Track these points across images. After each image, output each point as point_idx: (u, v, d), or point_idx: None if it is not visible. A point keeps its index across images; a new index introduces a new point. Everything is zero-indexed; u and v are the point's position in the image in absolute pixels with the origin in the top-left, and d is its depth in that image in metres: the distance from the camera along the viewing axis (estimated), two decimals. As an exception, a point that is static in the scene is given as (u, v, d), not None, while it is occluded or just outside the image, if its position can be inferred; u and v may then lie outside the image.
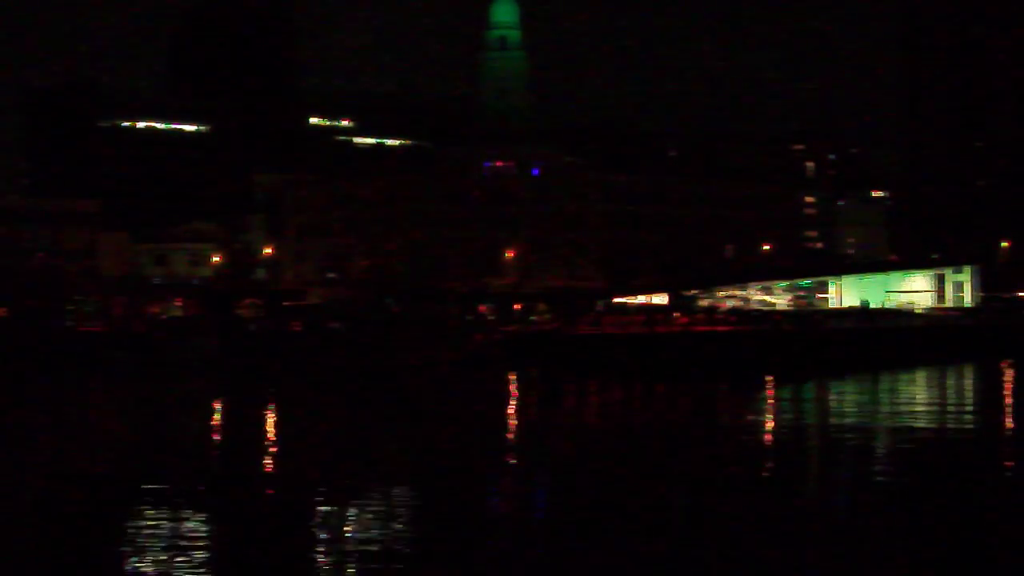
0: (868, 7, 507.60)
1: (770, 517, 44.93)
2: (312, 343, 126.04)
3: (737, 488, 50.77)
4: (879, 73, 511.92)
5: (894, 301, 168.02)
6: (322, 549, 40.35)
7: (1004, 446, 66.16)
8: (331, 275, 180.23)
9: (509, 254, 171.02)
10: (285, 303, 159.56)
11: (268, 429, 76.46)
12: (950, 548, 40.39)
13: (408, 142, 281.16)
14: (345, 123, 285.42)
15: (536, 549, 40.53)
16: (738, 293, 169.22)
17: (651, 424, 76.45)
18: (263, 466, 60.34)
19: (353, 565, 38.02)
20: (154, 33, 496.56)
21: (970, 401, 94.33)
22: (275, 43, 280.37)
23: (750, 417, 79.79)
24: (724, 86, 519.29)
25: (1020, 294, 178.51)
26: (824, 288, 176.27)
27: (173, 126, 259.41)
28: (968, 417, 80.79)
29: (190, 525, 43.80)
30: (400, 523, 44.59)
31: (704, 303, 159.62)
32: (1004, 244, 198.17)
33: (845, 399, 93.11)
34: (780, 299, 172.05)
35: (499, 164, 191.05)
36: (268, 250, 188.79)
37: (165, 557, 38.61)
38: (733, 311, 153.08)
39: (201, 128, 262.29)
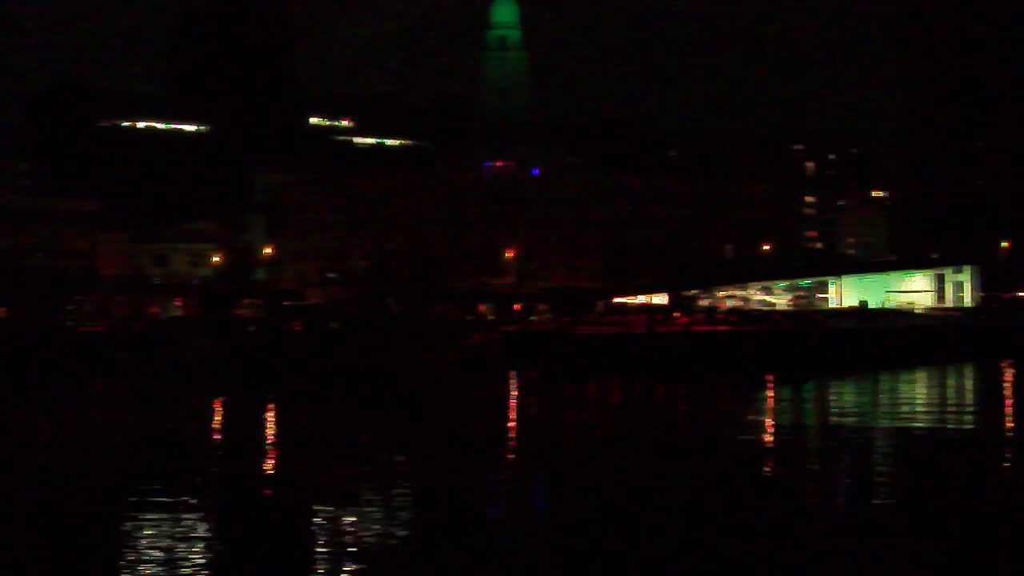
0: (868, 7, 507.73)
1: (770, 517, 44.93)
2: (312, 343, 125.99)
3: (737, 488, 50.76)
4: (879, 73, 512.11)
5: (894, 301, 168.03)
6: (322, 549, 40.34)
7: (1004, 446, 66.15)
8: (331, 275, 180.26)
9: (509, 254, 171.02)
10: (285, 303, 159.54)
11: (268, 429, 76.45)
12: (950, 548, 40.38)
13: (408, 142, 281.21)
14: (345, 123, 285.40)
15: (536, 549, 40.53)
16: (738, 293, 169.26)
17: (651, 424, 76.43)
18: (263, 466, 60.34)
19: (353, 565, 38.02)
20: (154, 33, 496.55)
21: (970, 401, 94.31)
22: (275, 43, 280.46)
23: (750, 417, 79.77)
24: (724, 86, 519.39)
25: (1020, 294, 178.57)
26: (824, 288, 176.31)
27: (173, 126, 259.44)
28: (968, 417, 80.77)
29: (190, 525, 43.80)
30: (400, 523, 44.59)
31: (704, 303, 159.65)
32: (1004, 244, 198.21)
33: (845, 399, 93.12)
34: (780, 299, 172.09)
35: (499, 164, 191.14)
36: (268, 250, 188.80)
37: (165, 557, 38.60)
38: (733, 311, 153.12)
39: (201, 128, 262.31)
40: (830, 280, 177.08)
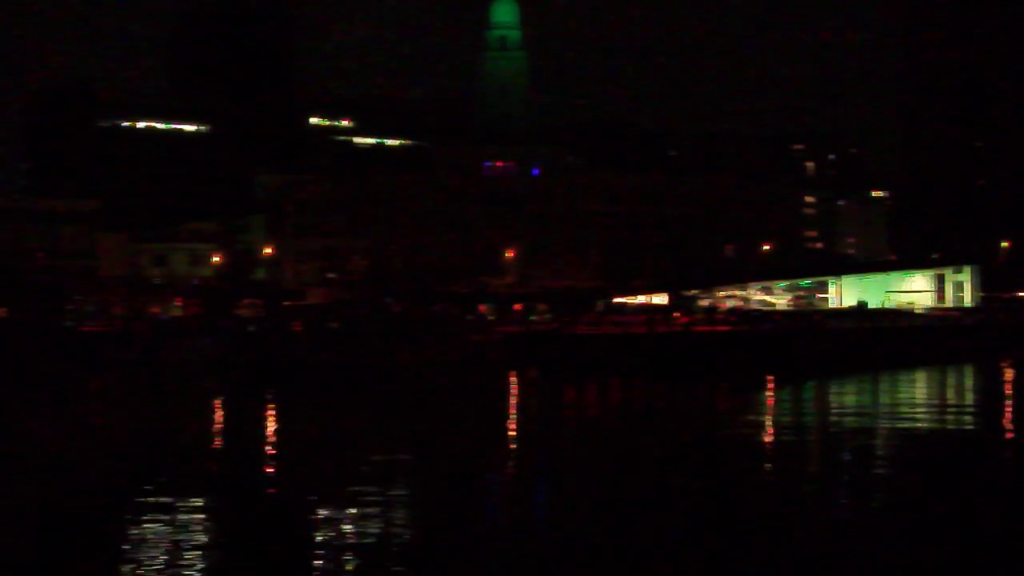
0: (868, 8, 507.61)
1: (770, 518, 44.92)
2: (312, 343, 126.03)
3: (737, 488, 50.75)
4: (879, 73, 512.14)
5: (894, 301, 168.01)
6: (322, 549, 40.33)
7: (1004, 446, 66.14)
8: (331, 275, 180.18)
9: (509, 254, 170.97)
10: (285, 303, 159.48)
11: (268, 429, 76.44)
12: (950, 548, 40.38)
13: (408, 142, 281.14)
14: (345, 123, 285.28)
15: (536, 550, 40.53)
16: (738, 293, 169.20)
17: (651, 424, 76.43)
18: (263, 466, 60.33)
19: (353, 565, 38.01)
20: (154, 33, 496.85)
21: (970, 401, 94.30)
22: (275, 43, 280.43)
23: (750, 417, 79.77)
24: (724, 86, 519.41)
25: (1020, 294, 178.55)
26: (824, 288, 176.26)
27: (173, 126, 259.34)
28: (968, 417, 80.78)
29: (190, 526, 43.79)
30: (400, 524, 44.58)
31: (704, 303, 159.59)
32: (1004, 244, 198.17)
33: (845, 399, 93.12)
34: (780, 299, 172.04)
35: (499, 164, 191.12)
36: (268, 250, 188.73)
37: (166, 558, 38.59)
38: (733, 311, 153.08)
39: (201, 128, 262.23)
40: (830, 280, 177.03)
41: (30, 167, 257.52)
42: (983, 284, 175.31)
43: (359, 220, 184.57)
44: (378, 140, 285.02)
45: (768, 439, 68.11)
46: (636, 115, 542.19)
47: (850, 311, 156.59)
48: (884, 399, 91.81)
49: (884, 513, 45.97)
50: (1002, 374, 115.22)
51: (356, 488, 50.87)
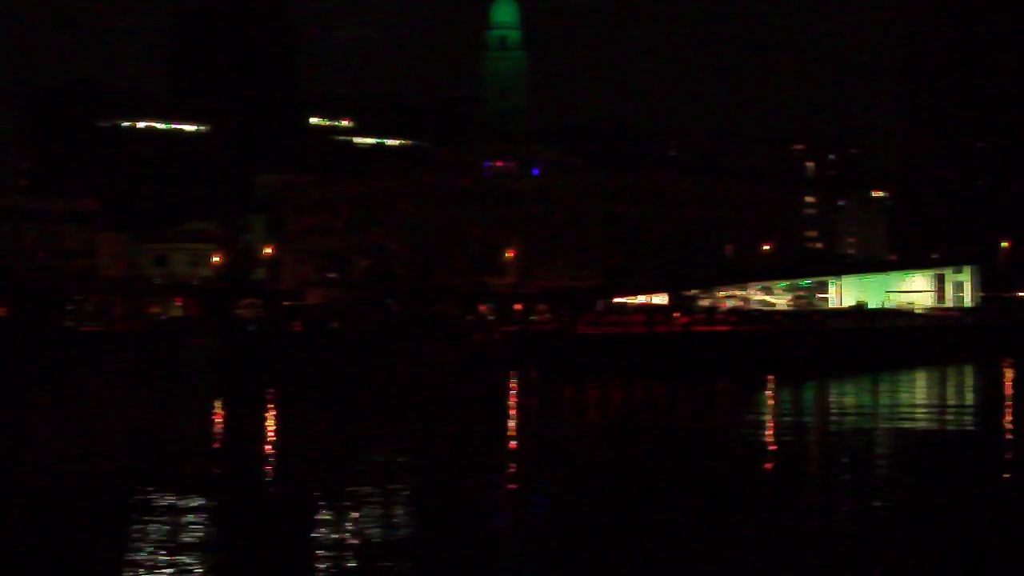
0: (868, 7, 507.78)
1: (770, 518, 44.93)
2: (312, 343, 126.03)
3: (738, 489, 50.76)
4: (879, 73, 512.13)
5: (894, 301, 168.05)
6: (322, 550, 40.33)
7: (1004, 446, 66.15)
8: (331, 275, 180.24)
9: (509, 254, 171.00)
10: (285, 303, 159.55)
11: (268, 430, 76.45)
12: (951, 549, 40.38)
13: (408, 142, 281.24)
14: (345, 123, 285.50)
15: (535, 550, 40.54)
16: (738, 293, 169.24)
17: (651, 424, 76.45)
18: (263, 467, 60.34)
19: (353, 566, 38.02)
20: (154, 33, 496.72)
21: (970, 401, 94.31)
22: (275, 43, 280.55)
23: (750, 417, 79.77)
24: (725, 86, 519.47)
25: (1020, 294, 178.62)
26: (824, 288, 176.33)
27: (173, 126, 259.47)
28: (968, 417, 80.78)
29: (190, 526, 43.80)
30: (400, 524, 44.59)
31: (704, 303, 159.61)
32: (1004, 244, 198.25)
33: (845, 399, 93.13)
34: (780, 299, 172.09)
35: (499, 164, 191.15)
36: (268, 250, 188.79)
37: (165, 558, 38.60)
38: (733, 311, 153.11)
39: (201, 128, 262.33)
40: (830, 280, 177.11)
41: (30, 167, 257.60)
42: (983, 284, 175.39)
43: (359, 220, 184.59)
44: (378, 140, 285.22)
45: (768, 439, 68.11)
46: (636, 115, 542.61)
47: (849, 311, 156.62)
48: (884, 399, 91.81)
49: (884, 514, 45.97)
50: (1002, 374, 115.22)
51: (356, 488, 50.87)
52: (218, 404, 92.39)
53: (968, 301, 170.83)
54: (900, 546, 40.66)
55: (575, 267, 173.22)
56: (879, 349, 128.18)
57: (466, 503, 48.73)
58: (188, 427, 77.20)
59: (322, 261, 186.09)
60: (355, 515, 45.24)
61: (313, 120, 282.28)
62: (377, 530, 42.81)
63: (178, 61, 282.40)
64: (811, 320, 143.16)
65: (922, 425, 73.99)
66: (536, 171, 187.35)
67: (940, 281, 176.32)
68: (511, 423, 77.81)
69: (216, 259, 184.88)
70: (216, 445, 69.84)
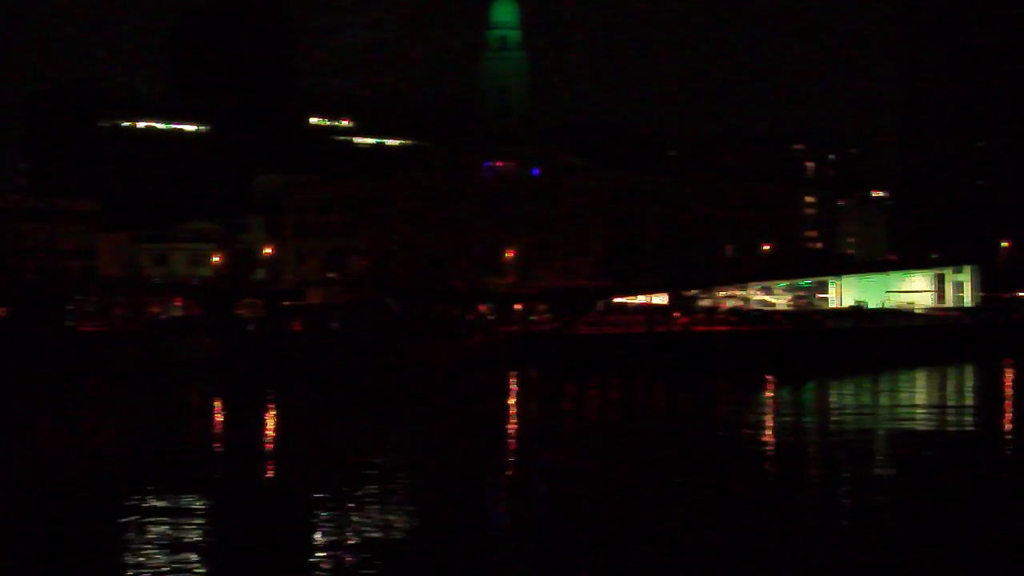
0: (868, 7, 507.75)
1: (770, 518, 44.93)
2: (312, 343, 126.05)
3: (737, 489, 50.75)
4: (879, 73, 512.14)
5: (894, 301, 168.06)
6: (322, 549, 40.33)
7: (1004, 446, 66.13)
8: (331, 275, 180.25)
9: (509, 254, 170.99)
10: (285, 303, 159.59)
11: (268, 429, 76.43)
12: (951, 548, 40.38)
13: (408, 142, 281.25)
14: (345, 123, 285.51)
15: (536, 550, 40.54)
16: (738, 293, 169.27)
17: (651, 424, 76.44)
18: (263, 466, 60.32)
19: (353, 566, 38.02)
20: (154, 33, 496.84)
21: (970, 401, 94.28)
22: (275, 43, 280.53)
23: (750, 417, 79.75)
24: (724, 86, 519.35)
25: (1020, 294, 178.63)
26: (824, 288, 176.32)
27: (173, 126, 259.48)
28: (968, 418, 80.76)
29: (190, 526, 43.79)
30: (400, 525, 44.58)
31: (704, 303, 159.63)
32: (1004, 244, 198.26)
33: (845, 399, 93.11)
34: (780, 299, 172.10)
35: (499, 164, 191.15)
36: (268, 250, 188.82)
37: (165, 558, 38.59)
38: (733, 311, 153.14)
39: (201, 128, 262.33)
40: (830, 280, 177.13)
41: (30, 167, 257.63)
42: (983, 284, 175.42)
43: (359, 220, 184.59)
44: (378, 140, 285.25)
45: (768, 439, 68.10)
46: (636, 115, 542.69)
47: (848, 311, 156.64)
48: (884, 399, 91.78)
49: (884, 514, 45.96)
50: (1002, 374, 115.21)
51: (356, 488, 50.86)
52: (218, 404, 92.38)
53: (968, 301, 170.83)
54: (900, 546, 40.64)
55: (575, 267, 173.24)
56: (879, 349, 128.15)
57: (466, 503, 48.72)
58: (188, 427, 77.18)
59: (322, 261, 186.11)
60: (355, 515, 45.23)
61: (313, 120, 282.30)
62: (377, 530, 42.79)
63: (178, 61, 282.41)
64: (811, 320, 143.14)
65: (922, 425, 73.97)
66: (536, 171, 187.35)
67: (940, 281, 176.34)
68: (511, 423, 77.80)
69: (216, 259, 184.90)
70: (216, 445, 69.81)
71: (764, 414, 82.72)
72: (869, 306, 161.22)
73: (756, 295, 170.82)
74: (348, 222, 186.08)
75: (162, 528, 42.75)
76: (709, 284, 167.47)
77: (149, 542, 40.68)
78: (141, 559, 38.46)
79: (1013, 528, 43.02)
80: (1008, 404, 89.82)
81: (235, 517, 46.52)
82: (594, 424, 78.34)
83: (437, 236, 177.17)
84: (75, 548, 41.39)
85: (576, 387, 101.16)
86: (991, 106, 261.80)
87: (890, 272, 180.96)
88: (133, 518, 44.51)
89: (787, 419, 79.05)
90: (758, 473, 55.82)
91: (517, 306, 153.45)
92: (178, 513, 45.48)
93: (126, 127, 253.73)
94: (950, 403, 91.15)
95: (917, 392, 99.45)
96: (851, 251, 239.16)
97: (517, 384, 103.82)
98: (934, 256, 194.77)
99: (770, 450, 64.07)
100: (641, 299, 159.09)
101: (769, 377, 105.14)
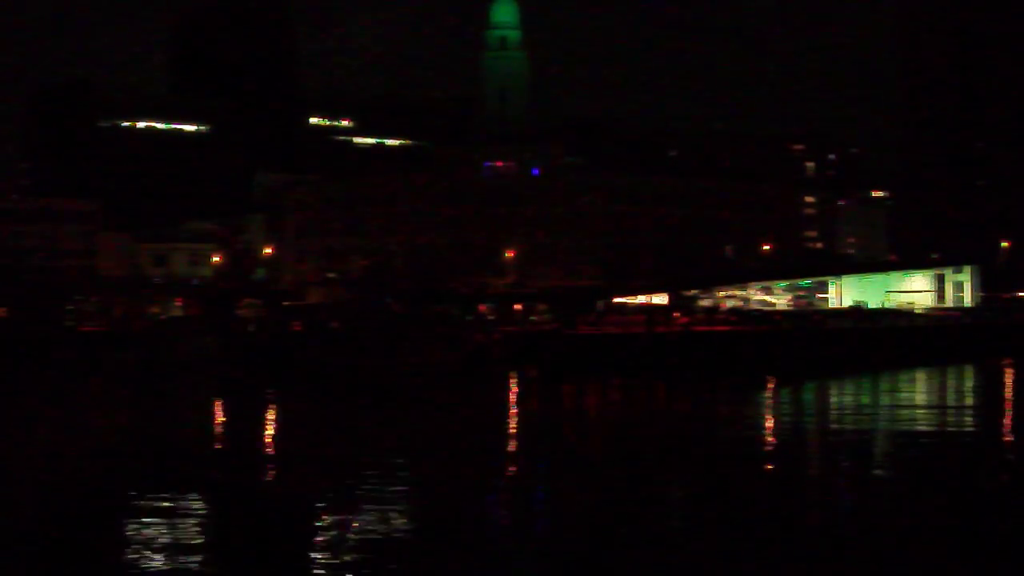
0: (869, 8, 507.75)
1: (770, 518, 44.94)
2: (312, 343, 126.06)
3: (737, 489, 50.76)
4: (879, 73, 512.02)
5: (894, 301, 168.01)
6: (322, 549, 40.34)
7: (1004, 447, 66.12)
8: (331, 275, 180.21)
9: (509, 254, 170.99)
10: (285, 303, 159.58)
11: (268, 429, 76.44)
12: (951, 549, 40.38)
13: (408, 142, 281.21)
14: (345, 123, 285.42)
15: (536, 550, 40.55)
16: (738, 293, 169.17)
17: (651, 424, 76.44)
18: (263, 466, 60.33)
19: (353, 565, 38.02)
20: (154, 33, 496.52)
21: (970, 402, 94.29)
22: (275, 43, 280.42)
23: (750, 417, 79.75)
24: (725, 85, 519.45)
25: (1020, 294, 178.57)
26: (824, 288, 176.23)
27: (173, 126, 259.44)
28: (968, 418, 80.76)
29: (190, 526, 43.80)
30: (400, 525, 44.59)
31: (705, 303, 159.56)
32: (1004, 244, 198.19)
33: (845, 399, 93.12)
34: (780, 299, 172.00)
35: (499, 164, 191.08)
36: (268, 250, 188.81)
37: (165, 558, 38.60)
38: (733, 311, 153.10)
39: (201, 128, 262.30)
40: (830, 280, 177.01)
41: (30, 167, 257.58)
42: (983, 284, 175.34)
43: (359, 220, 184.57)
44: (378, 140, 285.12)
45: (768, 440, 68.10)
46: (635, 115, 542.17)
47: (847, 312, 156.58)
48: (884, 399, 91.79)
49: (883, 514, 45.96)
50: (1002, 374, 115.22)
51: (356, 488, 50.88)
52: (218, 404, 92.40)
53: (968, 301, 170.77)
54: (900, 546, 40.64)
55: (575, 267, 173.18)
56: (879, 349, 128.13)
57: (466, 503, 48.73)
58: (188, 427, 77.19)
59: (322, 261, 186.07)
60: (355, 515, 45.23)
61: (313, 120, 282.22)
62: (377, 530, 42.79)
63: (178, 61, 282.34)
64: (811, 320, 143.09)
65: (922, 426, 73.96)
66: (536, 171, 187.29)
67: (940, 281, 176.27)
68: (511, 423, 77.81)
69: (216, 259, 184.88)
70: (216, 445, 69.81)
71: (764, 414, 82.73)
72: (869, 306, 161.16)
73: (756, 295, 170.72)
74: (348, 222, 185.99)
75: (162, 528, 42.75)
76: (709, 284, 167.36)
77: (149, 543, 40.68)
78: (141, 559, 38.45)
79: (1013, 529, 43.02)
80: (1008, 404, 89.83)
81: (235, 517, 46.52)
82: (594, 424, 78.33)
83: (437, 236, 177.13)
84: (75, 549, 41.39)
85: (576, 387, 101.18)
86: (991, 106, 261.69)
87: (890, 272, 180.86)
88: (133, 518, 44.52)
89: (787, 419, 79.06)
90: (758, 473, 55.82)
91: (517, 306, 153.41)
92: (178, 513, 45.49)
93: (126, 127, 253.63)
94: (950, 403, 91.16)
95: (917, 392, 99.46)
96: (851, 251, 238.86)
97: (517, 384, 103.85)
98: (934, 256, 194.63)
99: (770, 450, 64.08)
100: (641, 299, 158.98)
101: (769, 377, 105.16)
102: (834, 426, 74.71)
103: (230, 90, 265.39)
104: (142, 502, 47.51)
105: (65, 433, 74.17)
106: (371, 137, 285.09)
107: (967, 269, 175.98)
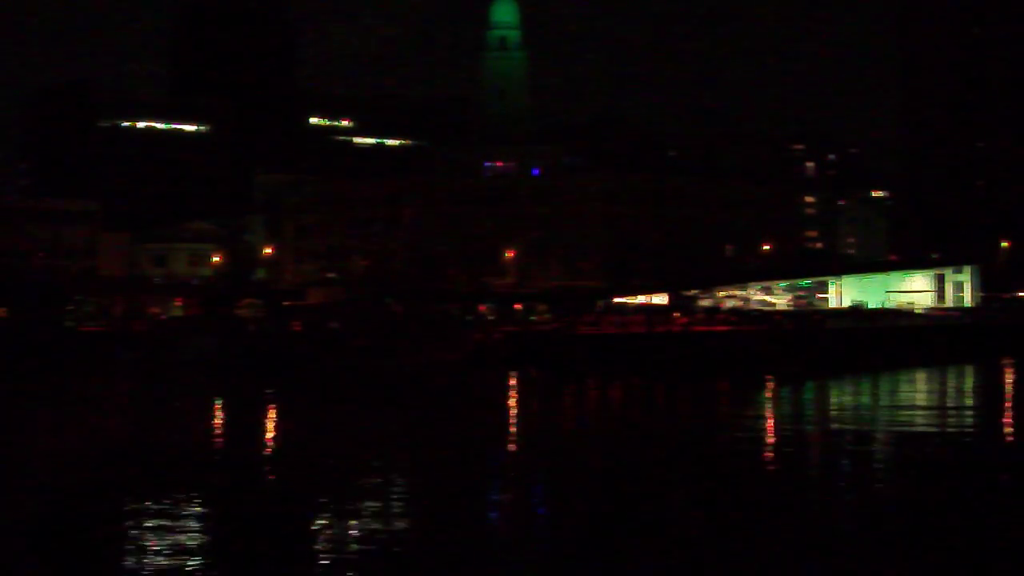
0: (868, 7, 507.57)
1: (770, 518, 44.93)
2: (312, 343, 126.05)
3: (737, 489, 50.75)
4: (879, 73, 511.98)
5: (894, 301, 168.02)
6: (322, 550, 40.33)
7: (1004, 446, 66.11)
8: (331, 275, 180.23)
9: (509, 254, 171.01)
10: (285, 303, 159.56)
11: (268, 430, 76.43)
12: (951, 549, 40.37)
13: (408, 142, 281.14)
14: (345, 123, 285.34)
15: (536, 550, 40.54)
16: (738, 293, 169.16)
17: (651, 424, 76.43)
18: (263, 467, 60.31)
19: (353, 566, 38.02)
20: (154, 33, 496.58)
21: (970, 402, 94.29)
22: (275, 43, 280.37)
23: (750, 417, 79.74)
24: (725, 85, 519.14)
25: (1020, 294, 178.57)
26: (824, 288, 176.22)
27: (173, 126, 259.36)
28: (968, 418, 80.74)
29: (190, 527, 43.80)
30: (400, 524, 44.60)
31: (705, 303, 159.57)
32: (1004, 244, 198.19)
33: (845, 399, 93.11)
34: (780, 299, 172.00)
35: (499, 164, 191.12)
36: (268, 250, 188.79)
37: (165, 559, 38.59)
38: (733, 311, 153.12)
39: (201, 128, 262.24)
40: (830, 280, 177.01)
41: (30, 167, 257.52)
42: (983, 284, 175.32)
43: (359, 220, 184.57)
44: (378, 140, 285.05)
45: (767, 440, 68.09)
46: (636, 115, 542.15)
47: (846, 312, 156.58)
48: (884, 400, 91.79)
49: (883, 514, 45.95)
50: (1002, 374, 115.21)
51: (356, 488, 50.86)
52: (218, 404, 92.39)
53: (968, 301, 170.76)
54: (900, 547, 40.64)
55: (575, 267, 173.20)
56: (879, 349, 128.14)
57: (465, 503, 48.72)
58: (188, 427, 77.15)
59: (322, 261, 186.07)
60: (355, 515, 45.23)
61: (313, 120, 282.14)
62: (377, 530, 42.79)
63: (178, 61, 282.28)
64: (811, 320, 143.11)
65: (922, 426, 73.95)
66: (536, 171, 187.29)
67: (940, 281, 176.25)
68: (511, 423, 77.80)
69: (216, 259, 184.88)
70: (216, 446, 69.78)
71: (764, 414, 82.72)
72: (868, 306, 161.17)
73: (756, 295, 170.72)
74: (348, 222, 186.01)
75: (162, 529, 42.74)
76: (709, 284, 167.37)
77: (149, 543, 40.67)
78: (141, 560, 38.45)
79: (1013, 529, 43.01)
80: (1008, 404, 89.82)
81: (235, 518, 46.51)
82: (594, 424, 78.32)
83: (437, 236, 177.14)
84: (75, 549, 41.38)
85: (576, 387, 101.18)
86: (991, 106, 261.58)
87: (890, 272, 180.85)
88: (133, 519, 44.51)
89: (787, 419, 79.05)
90: (758, 473, 55.81)
91: (517, 306, 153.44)
92: (178, 514, 45.47)
93: (126, 127, 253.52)
94: (950, 403, 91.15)
95: (917, 392, 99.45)
96: (851, 251, 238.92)
97: (517, 384, 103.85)
98: (934, 256, 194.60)
99: (770, 450, 64.08)
100: (641, 299, 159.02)
101: (769, 377, 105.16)
102: (834, 426, 74.70)
103: (230, 90, 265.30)
104: (142, 503, 47.49)
105: (65, 433, 74.14)
106: (371, 137, 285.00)
107: (967, 269, 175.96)
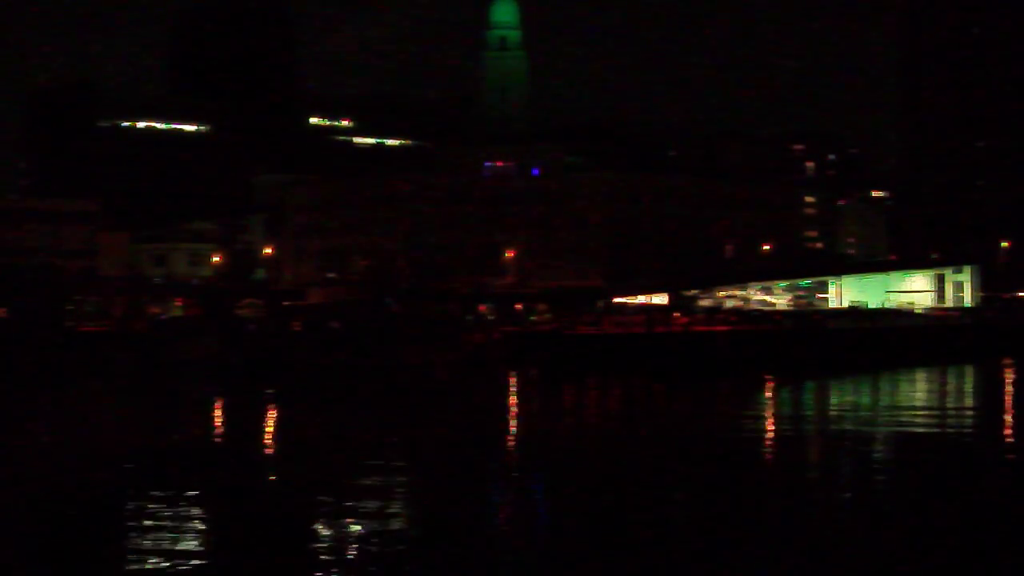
0: (868, 7, 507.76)
1: (770, 518, 44.94)
2: (312, 343, 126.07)
3: (737, 489, 50.76)
4: (879, 73, 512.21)
5: (894, 301, 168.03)
6: (322, 550, 40.34)
7: (1004, 447, 66.12)
8: (331, 275, 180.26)
9: (509, 254, 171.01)
10: (285, 303, 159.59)
11: (268, 430, 76.43)
12: (951, 549, 40.38)
13: (408, 142, 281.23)
14: (345, 123, 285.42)
15: (536, 550, 40.55)
16: (738, 293, 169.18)
17: (651, 424, 76.43)
18: (263, 467, 60.33)
19: (353, 565, 38.02)
20: (154, 33, 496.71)
21: (970, 402, 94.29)
22: (275, 43, 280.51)
23: (750, 417, 79.74)
24: (725, 85, 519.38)
25: (1020, 294, 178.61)
26: (824, 288, 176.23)
27: (173, 126, 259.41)
28: (968, 418, 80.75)
29: (190, 526, 43.80)
30: (400, 524, 44.59)
31: (705, 303, 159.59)
32: (1004, 244, 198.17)
33: (845, 399, 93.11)
34: (780, 299, 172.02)
35: (499, 164, 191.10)
36: (268, 250, 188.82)
37: (165, 559, 38.60)
38: (733, 311, 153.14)
39: (201, 128, 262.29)
40: (830, 280, 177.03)
41: (30, 167, 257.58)
42: (983, 284, 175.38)
43: (359, 220, 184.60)
44: (378, 140, 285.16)
45: (767, 440, 68.10)
46: (636, 115, 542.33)
47: (846, 312, 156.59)
48: (884, 400, 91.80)
49: (883, 515, 45.95)
50: (1002, 374, 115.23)
51: (356, 488, 50.86)
52: (218, 404, 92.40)
53: (968, 301, 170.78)
54: (900, 547, 40.64)
55: (575, 267, 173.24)
56: (879, 349, 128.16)
57: (466, 502, 48.73)
58: (188, 427, 77.17)
59: (322, 261, 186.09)
60: (355, 515, 45.23)
61: (313, 120, 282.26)
62: (377, 530, 42.79)
63: (178, 61, 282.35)
64: (811, 320, 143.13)
65: (922, 426, 73.96)
66: (536, 171, 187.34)
67: (940, 281, 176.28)
68: (511, 423, 77.81)
69: (216, 259, 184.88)
70: (216, 445, 69.79)
71: (764, 414, 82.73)
72: (868, 306, 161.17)
73: (756, 295, 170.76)
74: (348, 222, 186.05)
75: (162, 529, 42.75)
76: (709, 284, 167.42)
77: (149, 544, 40.68)
78: (141, 560, 38.45)
79: (1013, 529, 43.02)
80: (1008, 404, 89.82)
81: (235, 517, 46.51)
82: (594, 424, 78.33)
83: (437, 236, 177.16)
84: (75, 549, 41.38)
85: (576, 387, 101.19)
86: (991, 106, 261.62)
87: (890, 272, 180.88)
88: (133, 519, 44.51)
89: (787, 419, 79.06)
90: (758, 473, 55.82)
91: (517, 306, 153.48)
92: (178, 514, 45.48)
93: (126, 127, 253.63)
94: (950, 403, 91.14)
95: (917, 392, 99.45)
96: (851, 251, 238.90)
97: (517, 384, 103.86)
98: (934, 256, 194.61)
99: (770, 450, 64.08)
100: (641, 299, 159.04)
101: (769, 377, 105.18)
102: (834, 426, 74.70)
103: (230, 90, 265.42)
104: (142, 503, 47.50)
105: (65, 434, 74.14)
106: (371, 137, 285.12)
107: (967, 269, 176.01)
